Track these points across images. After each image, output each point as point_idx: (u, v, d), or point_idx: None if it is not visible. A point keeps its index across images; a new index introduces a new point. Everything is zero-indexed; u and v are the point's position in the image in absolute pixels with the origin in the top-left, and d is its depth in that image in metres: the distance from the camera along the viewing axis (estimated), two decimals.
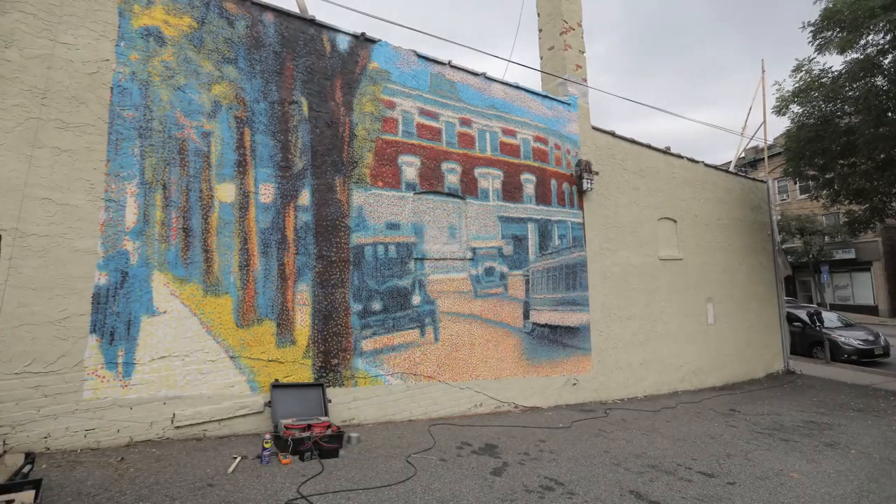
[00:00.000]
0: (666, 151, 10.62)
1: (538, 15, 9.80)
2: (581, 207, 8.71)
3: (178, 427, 4.83)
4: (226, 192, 5.40)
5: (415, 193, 6.78)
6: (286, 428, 4.72)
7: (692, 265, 10.55)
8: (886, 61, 10.17)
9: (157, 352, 4.83)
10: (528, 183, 8.00)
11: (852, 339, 14.31)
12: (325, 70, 6.20)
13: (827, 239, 25.72)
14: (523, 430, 6.18)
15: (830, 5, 10.40)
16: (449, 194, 7.12)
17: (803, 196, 26.31)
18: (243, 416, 5.19)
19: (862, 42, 10.27)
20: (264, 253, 5.55)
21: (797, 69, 11.74)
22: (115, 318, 4.67)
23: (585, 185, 8.55)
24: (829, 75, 11.26)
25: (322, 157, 6.06)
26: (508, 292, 7.53)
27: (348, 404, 5.85)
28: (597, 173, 8.87)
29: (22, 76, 4.46)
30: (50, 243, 4.44)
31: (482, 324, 7.17)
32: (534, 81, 9.51)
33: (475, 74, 7.65)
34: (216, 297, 5.21)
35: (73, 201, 4.57)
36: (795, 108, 12.12)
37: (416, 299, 6.59)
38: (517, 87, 8.14)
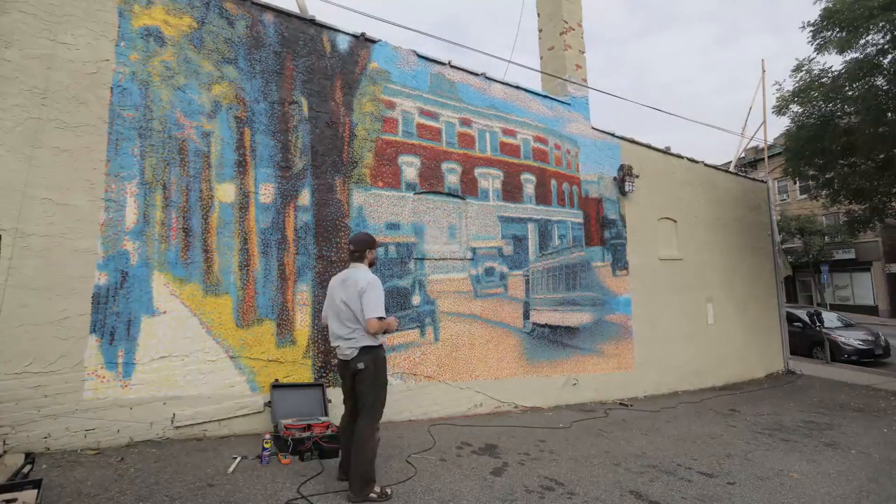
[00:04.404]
0: (666, 151, 10.62)
1: (538, 15, 9.80)
2: (621, 205, 9.39)
3: (178, 427, 4.83)
4: (226, 192, 5.40)
5: (415, 193, 6.78)
6: (286, 428, 4.72)
7: (692, 265, 10.55)
8: (886, 61, 10.17)
9: (157, 352, 4.83)
10: (528, 183, 8.01)
11: (852, 339, 14.32)
12: (325, 70, 6.20)
13: (827, 239, 25.72)
14: (523, 430, 6.18)
15: (830, 5, 10.41)
16: (449, 194, 7.12)
17: (803, 196, 26.34)
18: (243, 416, 5.19)
19: (861, 42, 10.27)
20: (264, 253, 5.55)
21: (797, 69, 11.75)
22: (114, 319, 4.67)
23: (627, 188, 9.07)
24: (829, 75, 11.26)
25: (322, 157, 6.06)
26: (508, 292, 7.53)
27: None
28: (637, 176, 9.26)
29: (22, 76, 4.46)
30: (50, 243, 4.43)
31: (482, 324, 7.17)
32: (534, 82, 9.52)
33: (475, 74, 7.65)
34: (216, 297, 5.21)
35: (73, 201, 4.57)
36: (795, 108, 12.12)
37: (415, 299, 6.59)
38: (517, 88, 8.14)
